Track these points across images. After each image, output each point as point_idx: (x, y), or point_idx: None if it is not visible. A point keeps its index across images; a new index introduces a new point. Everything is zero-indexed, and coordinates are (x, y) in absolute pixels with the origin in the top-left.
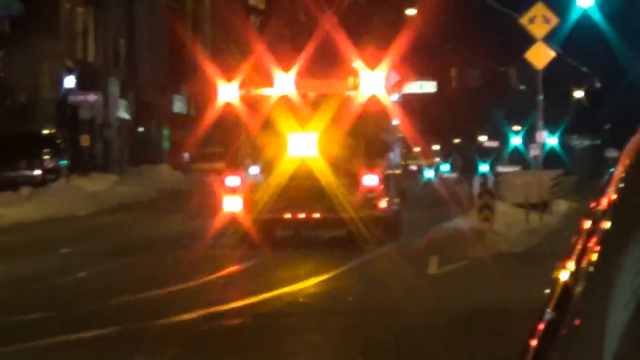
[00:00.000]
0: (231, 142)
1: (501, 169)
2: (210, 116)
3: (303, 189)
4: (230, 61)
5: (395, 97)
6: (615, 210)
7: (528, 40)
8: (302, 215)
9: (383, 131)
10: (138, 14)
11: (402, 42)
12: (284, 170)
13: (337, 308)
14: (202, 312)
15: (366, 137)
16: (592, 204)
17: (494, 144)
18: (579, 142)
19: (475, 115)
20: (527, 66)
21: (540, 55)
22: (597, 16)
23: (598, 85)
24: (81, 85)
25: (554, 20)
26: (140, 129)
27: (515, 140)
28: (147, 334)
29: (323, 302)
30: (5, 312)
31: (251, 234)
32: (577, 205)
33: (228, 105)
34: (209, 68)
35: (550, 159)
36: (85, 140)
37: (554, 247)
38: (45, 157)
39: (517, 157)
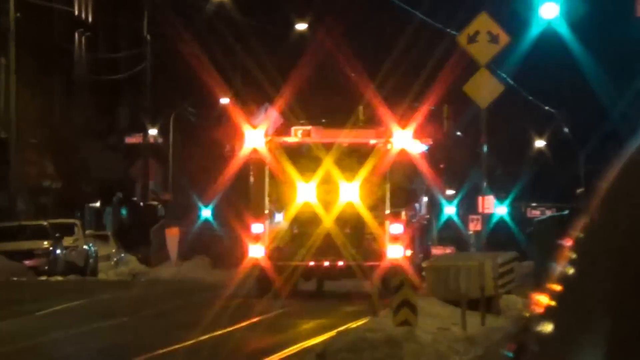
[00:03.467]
0: (255, 189)
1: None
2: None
3: (327, 237)
4: None
5: (423, 148)
6: (556, 311)
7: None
8: (326, 264)
9: (409, 181)
10: None
11: (297, 78)
12: (307, 217)
13: None
14: None
15: (392, 187)
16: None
17: None
18: (539, 213)
19: None
20: (466, 104)
21: (485, 89)
22: (565, 33)
23: (566, 130)
24: None
25: (504, 39)
26: None
27: (449, 210)
28: None
29: None
30: None
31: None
32: None
33: (254, 151)
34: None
35: (498, 235)
36: None
37: None
38: None
39: (451, 233)
